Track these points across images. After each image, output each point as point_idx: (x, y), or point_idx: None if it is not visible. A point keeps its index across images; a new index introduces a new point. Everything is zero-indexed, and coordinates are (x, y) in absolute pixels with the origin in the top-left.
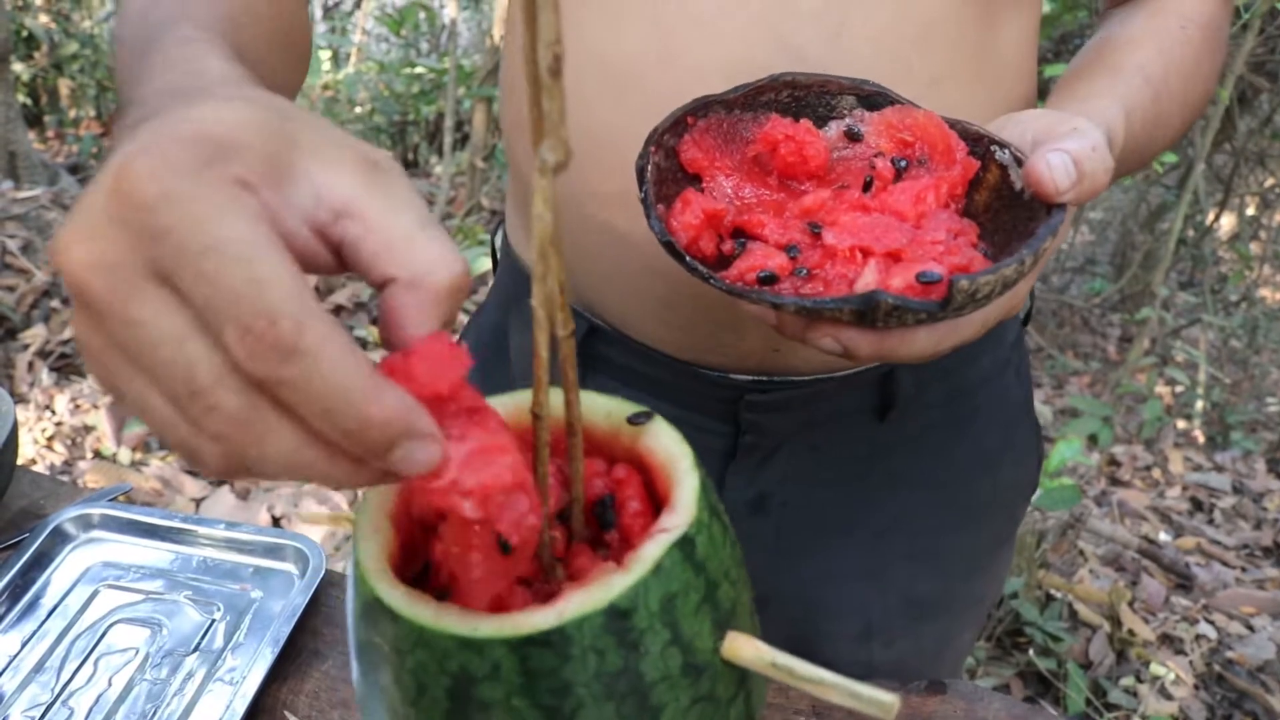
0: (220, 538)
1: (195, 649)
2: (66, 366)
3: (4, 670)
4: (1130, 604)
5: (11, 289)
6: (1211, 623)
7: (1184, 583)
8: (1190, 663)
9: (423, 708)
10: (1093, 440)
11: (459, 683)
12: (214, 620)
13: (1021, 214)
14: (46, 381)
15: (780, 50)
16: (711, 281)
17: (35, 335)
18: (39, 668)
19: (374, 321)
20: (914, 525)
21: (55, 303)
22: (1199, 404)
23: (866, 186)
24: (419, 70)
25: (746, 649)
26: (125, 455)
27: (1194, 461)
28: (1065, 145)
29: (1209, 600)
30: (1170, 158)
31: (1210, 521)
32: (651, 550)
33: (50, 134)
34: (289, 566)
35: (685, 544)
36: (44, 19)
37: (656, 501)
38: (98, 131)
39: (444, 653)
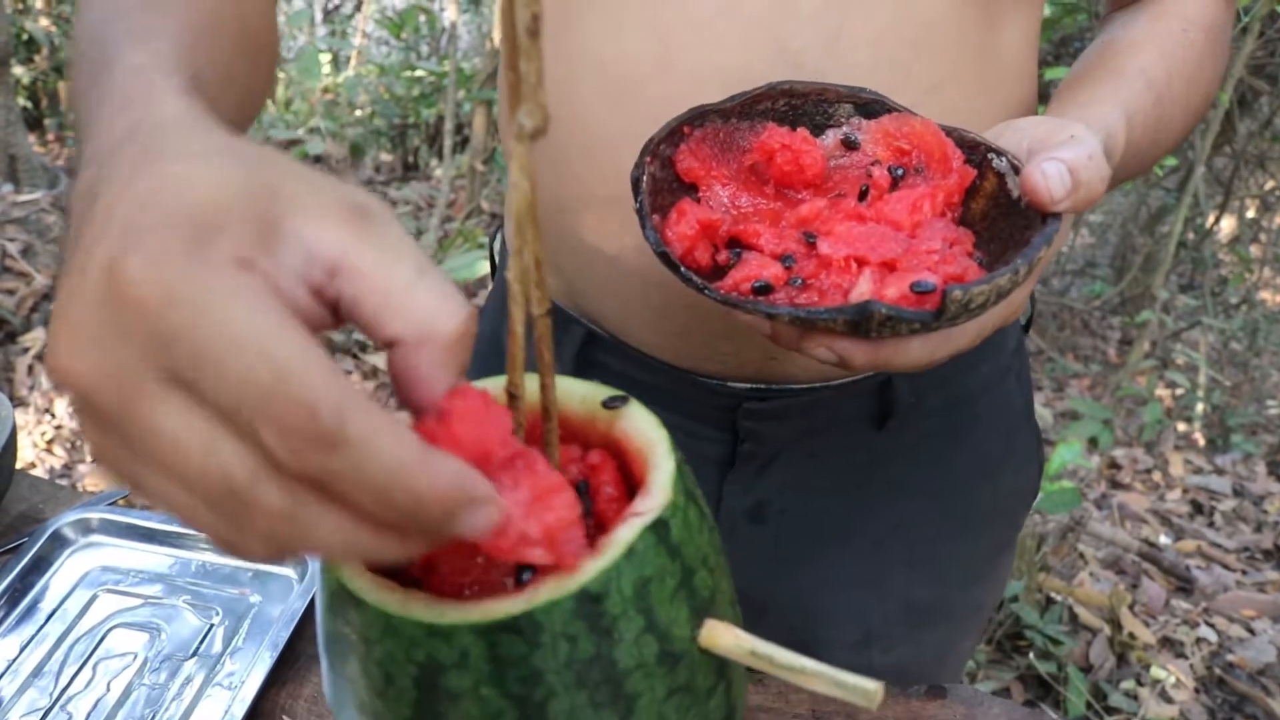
0: None
1: (194, 653)
2: None
3: (2, 674)
4: (1131, 607)
5: (11, 292)
6: (1212, 626)
7: (1184, 586)
8: (1191, 666)
9: (390, 699)
10: (1093, 443)
11: (426, 672)
12: (213, 625)
13: (1019, 222)
14: (46, 385)
15: (778, 55)
16: (706, 292)
17: (35, 339)
18: (37, 672)
19: None
20: (913, 533)
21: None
22: (1199, 406)
23: (862, 195)
24: (419, 73)
25: (725, 637)
26: None
27: (1194, 464)
28: (1061, 154)
29: (1209, 603)
30: (1170, 160)
31: (1211, 524)
32: (624, 533)
33: (50, 137)
34: (287, 571)
35: (659, 527)
36: (44, 22)
37: (633, 487)
38: None
39: (411, 641)
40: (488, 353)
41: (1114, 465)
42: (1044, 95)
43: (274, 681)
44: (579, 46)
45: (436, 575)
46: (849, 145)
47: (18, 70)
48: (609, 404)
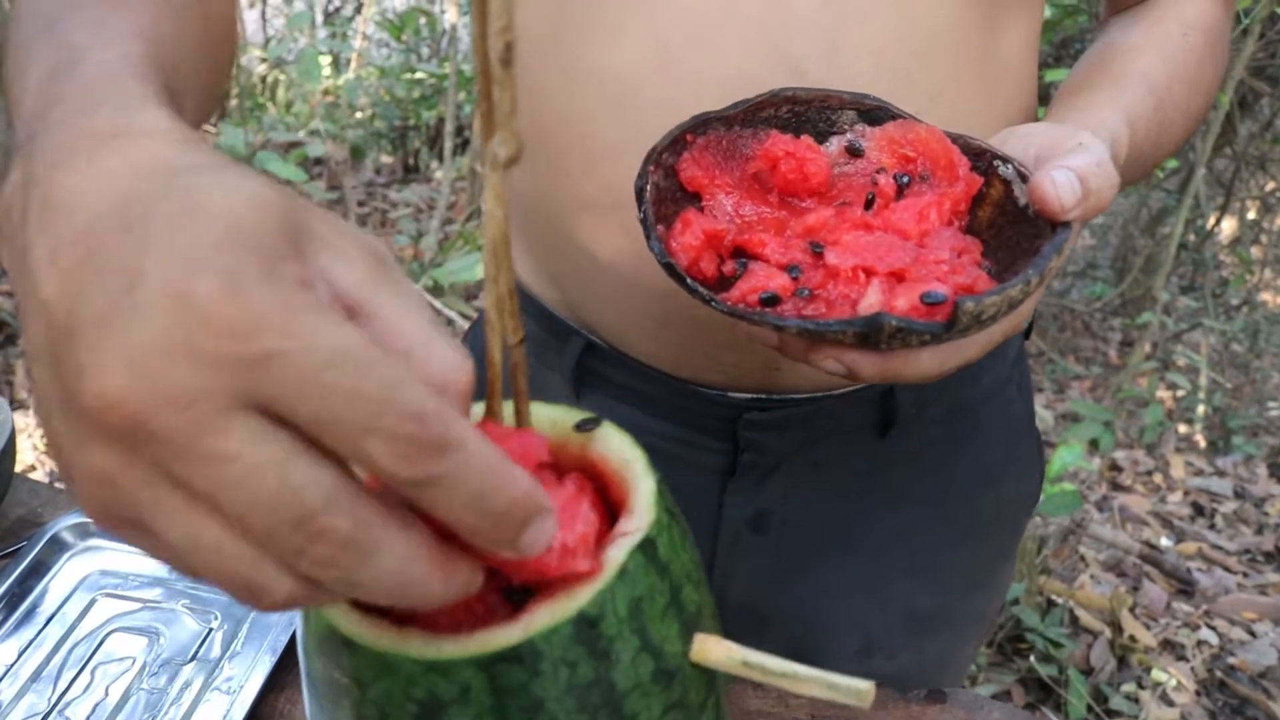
0: None
1: (193, 658)
2: None
3: (1, 679)
4: (1131, 610)
5: (11, 295)
6: (1213, 628)
7: (1185, 588)
8: (1192, 669)
9: None
10: (1094, 445)
11: (426, 709)
12: (211, 629)
13: (1026, 230)
14: None
15: (779, 63)
16: (713, 304)
17: None
18: (36, 676)
19: None
20: (914, 541)
21: None
22: (1200, 408)
23: (868, 204)
24: (420, 75)
25: (716, 650)
26: None
27: (1195, 466)
28: (1070, 162)
29: (1210, 606)
30: (1171, 162)
31: (1212, 526)
32: (614, 554)
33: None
34: None
35: (647, 546)
36: None
37: (611, 508)
38: None
39: (409, 679)
40: (483, 360)
41: (1115, 467)
42: (1044, 97)
43: (273, 686)
44: (577, 55)
45: (422, 616)
46: (853, 152)
47: None
48: (581, 427)
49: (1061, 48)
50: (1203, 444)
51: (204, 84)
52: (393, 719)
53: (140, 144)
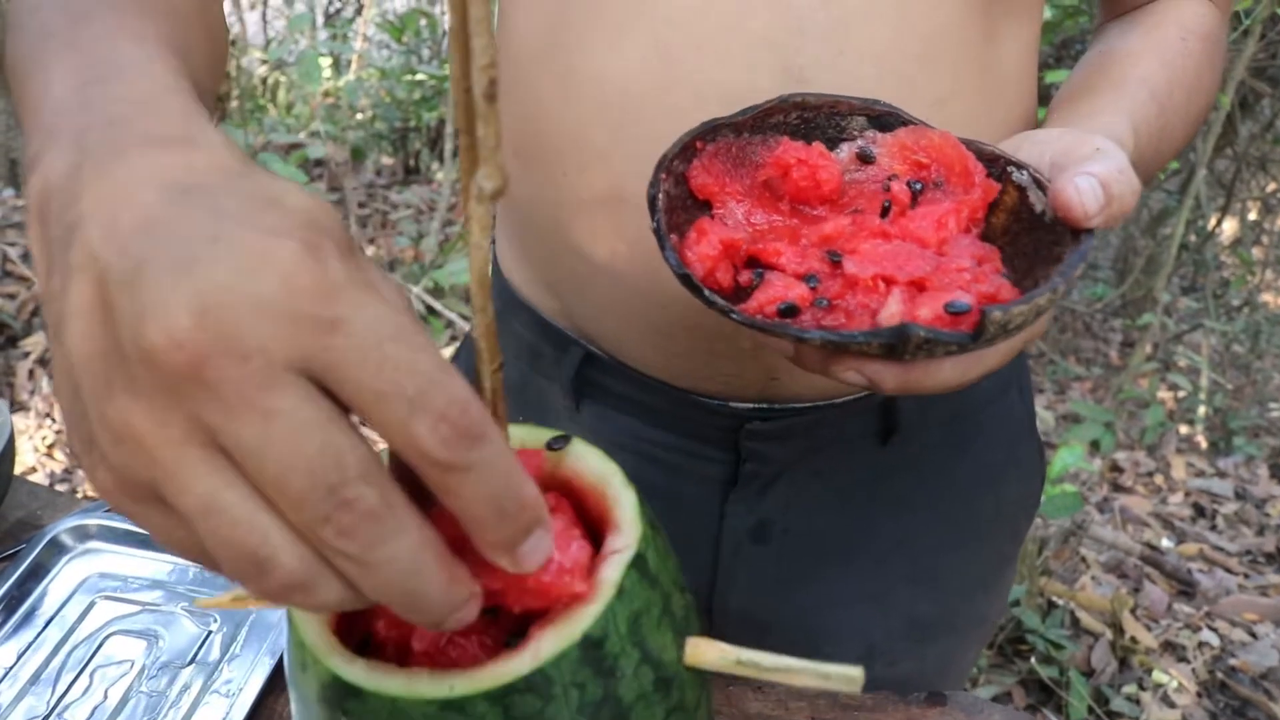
0: None
1: (192, 660)
2: None
3: (0, 681)
4: (1133, 611)
5: (12, 296)
6: (1214, 630)
7: (1186, 589)
8: (1193, 670)
9: None
10: (1095, 446)
11: None
12: (211, 632)
13: (1044, 237)
14: (47, 389)
15: (782, 71)
16: (733, 316)
17: (36, 343)
18: (35, 679)
19: None
20: (916, 547)
21: None
22: (1201, 409)
23: (884, 212)
24: (420, 77)
25: (710, 652)
26: None
27: (1196, 467)
28: (1093, 168)
29: (1212, 607)
30: (1172, 163)
31: (1213, 527)
32: (610, 573)
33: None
34: None
35: (639, 561)
36: None
37: (589, 524)
38: None
39: (424, 719)
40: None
41: (1116, 468)
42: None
43: (272, 689)
44: (577, 64)
45: (412, 658)
46: (864, 159)
47: None
48: (552, 445)
49: (1062, 48)
50: (1204, 445)
51: (209, 89)
52: None
53: (205, 149)
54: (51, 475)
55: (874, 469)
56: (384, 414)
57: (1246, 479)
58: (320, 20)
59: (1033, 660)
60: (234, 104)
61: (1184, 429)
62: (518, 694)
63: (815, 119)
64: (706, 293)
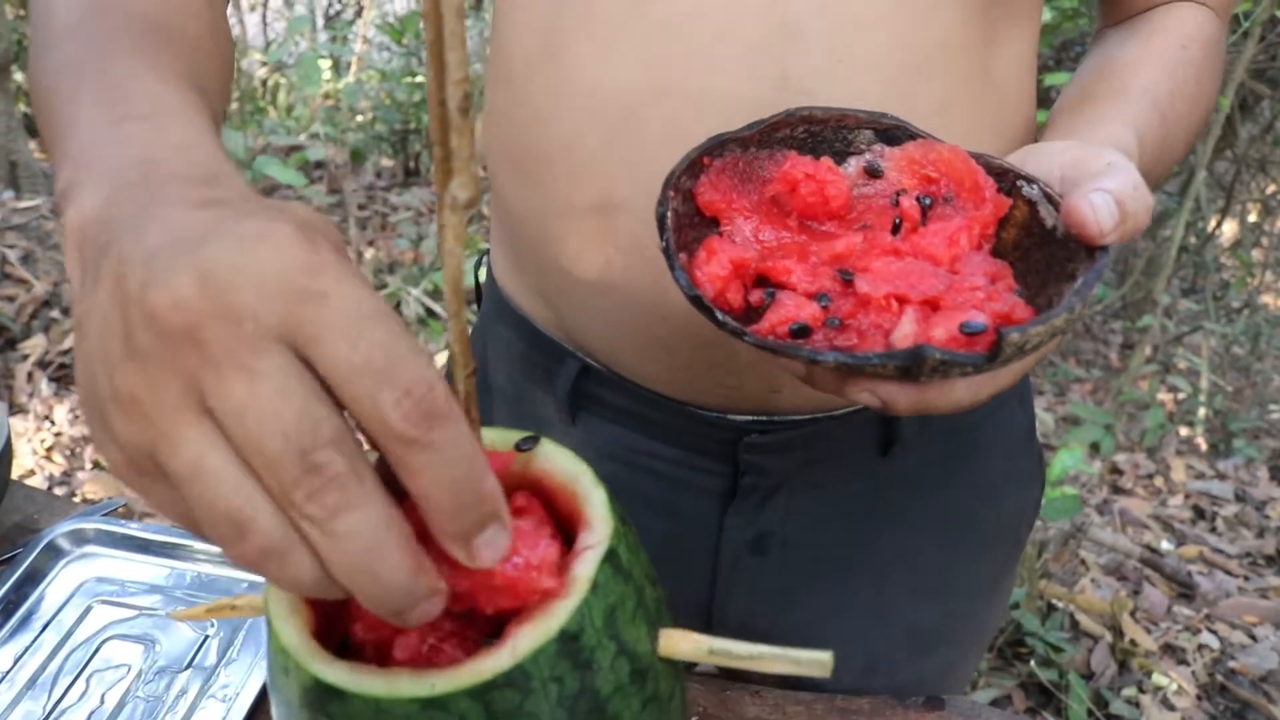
0: (215, 552)
1: (189, 665)
2: (66, 377)
3: None
4: (1132, 614)
5: (11, 299)
6: (1214, 632)
7: (1186, 592)
8: (1193, 673)
9: None
10: (1094, 448)
11: None
12: (208, 636)
13: (1056, 252)
14: (46, 392)
15: (779, 80)
16: (745, 338)
17: (35, 345)
18: (31, 683)
19: None
20: (916, 559)
21: (55, 313)
22: (1201, 411)
23: (895, 229)
24: (420, 79)
25: (684, 643)
26: None
27: (1196, 469)
28: (1106, 185)
29: (1211, 609)
30: None
31: (1213, 530)
32: (584, 569)
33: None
34: None
35: (612, 556)
36: None
37: (561, 522)
38: None
39: (406, 718)
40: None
41: (1116, 470)
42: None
43: (269, 693)
44: (570, 71)
45: (390, 661)
46: (872, 173)
47: (19, 76)
48: (521, 446)
49: (1061, 50)
50: (1204, 447)
51: (220, 111)
52: None
53: (228, 185)
54: (50, 478)
55: (873, 481)
56: (355, 386)
57: (1246, 481)
58: (320, 22)
59: (1032, 663)
60: (234, 106)
61: (1184, 431)
62: (498, 689)
63: (822, 133)
64: (719, 315)
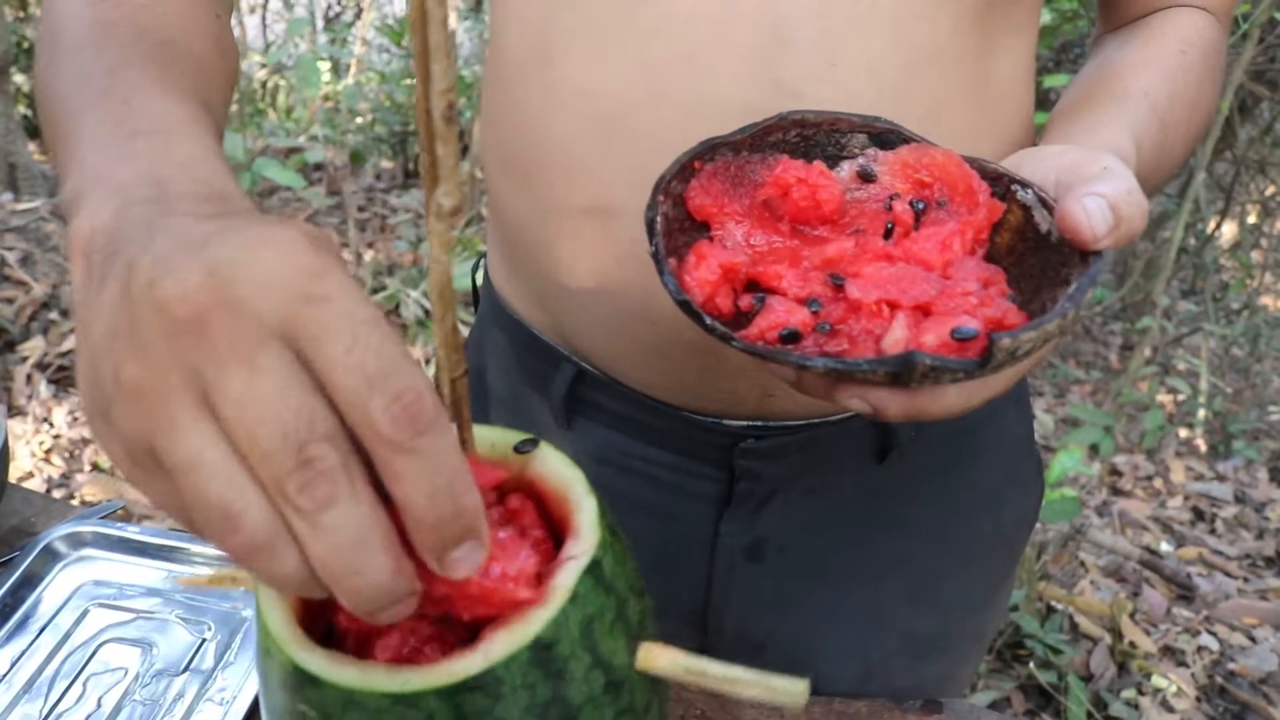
0: (212, 555)
1: (186, 668)
2: (65, 379)
3: None
4: (1131, 615)
5: (10, 301)
6: (1213, 634)
7: (1186, 594)
8: (1192, 675)
9: None
10: (1094, 450)
11: None
12: (205, 639)
13: (1050, 257)
14: (45, 394)
15: (772, 85)
16: (734, 343)
17: (34, 348)
18: (28, 687)
19: None
20: (913, 567)
21: (54, 315)
22: (1201, 413)
23: (888, 234)
24: None
25: (662, 658)
26: None
27: (1196, 471)
28: (1101, 188)
29: (1211, 611)
30: None
31: (1212, 531)
32: (565, 579)
33: (46, 144)
34: None
35: (594, 568)
36: None
37: (552, 525)
38: None
39: (376, 711)
40: (470, 386)
41: (1115, 472)
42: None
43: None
44: (564, 76)
45: (372, 650)
46: (865, 177)
47: (18, 78)
48: (520, 448)
49: (1061, 52)
50: (1203, 448)
51: (223, 121)
52: None
53: (236, 203)
54: (49, 480)
55: (869, 487)
56: (347, 387)
57: (1246, 482)
58: (320, 24)
59: (1031, 665)
60: (233, 108)
61: (1183, 432)
62: (468, 692)
63: (815, 136)
64: (707, 319)
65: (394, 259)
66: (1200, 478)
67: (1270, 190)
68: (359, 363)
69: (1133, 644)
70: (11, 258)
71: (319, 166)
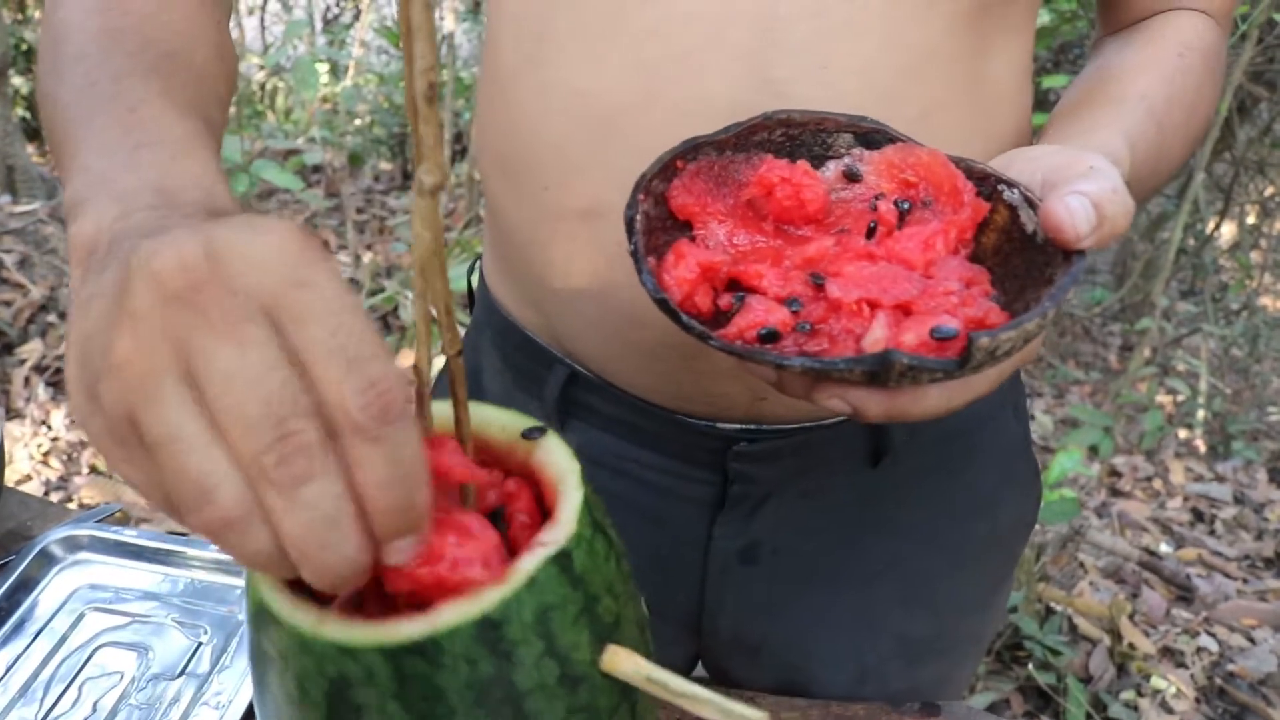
0: (208, 559)
1: (182, 672)
2: (63, 382)
3: None
4: (1131, 617)
5: (8, 304)
6: (1213, 635)
7: (1185, 595)
8: (1191, 676)
9: (304, 711)
10: (1093, 451)
11: (336, 687)
12: (201, 643)
13: (1036, 258)
14: (43, 397)
15: (765, 85)
16: (710, 342)
17: (32, 350)
18: (24, 691)
19: None
20: (908, 570)
21: (52, 318)
22: (1200, 413)
23: (870, 233)
24: None
25: (625, 663)
26: None
27: (1195, 471)
28: (1084, 188)
29: (1210, 612)
30: None
31: (1211, 532)
32: (527, 564)
33: (48, 148)
34: None
35: (562, 558)
36: None
37: (546, 514)
38: None
39: (323, 657)
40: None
41: (1114, 473)
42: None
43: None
44: (558, 77)
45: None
46: (851, 177)
47: (16, 80)
48: (527, 434)
49: (1060, 53)
50: (1202, 449)
51: (221, 129)
52: (309, 691)
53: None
54: (47, 483)
55: (863, 491)
56: (326, 368)
57: (1245, 483)
58: (318, 26)
59: (1030, 666)
60: (231, 110)
61: (1183, 433)
62: (408, 654)
63: (800, 136)
64: (684, 318)
65: (392, 261)
66: (1199, 479)
67: (1269, 191)
68: (340, 345)
69: (1132, 645)
70: (9, 260)
71: (317, 168)
